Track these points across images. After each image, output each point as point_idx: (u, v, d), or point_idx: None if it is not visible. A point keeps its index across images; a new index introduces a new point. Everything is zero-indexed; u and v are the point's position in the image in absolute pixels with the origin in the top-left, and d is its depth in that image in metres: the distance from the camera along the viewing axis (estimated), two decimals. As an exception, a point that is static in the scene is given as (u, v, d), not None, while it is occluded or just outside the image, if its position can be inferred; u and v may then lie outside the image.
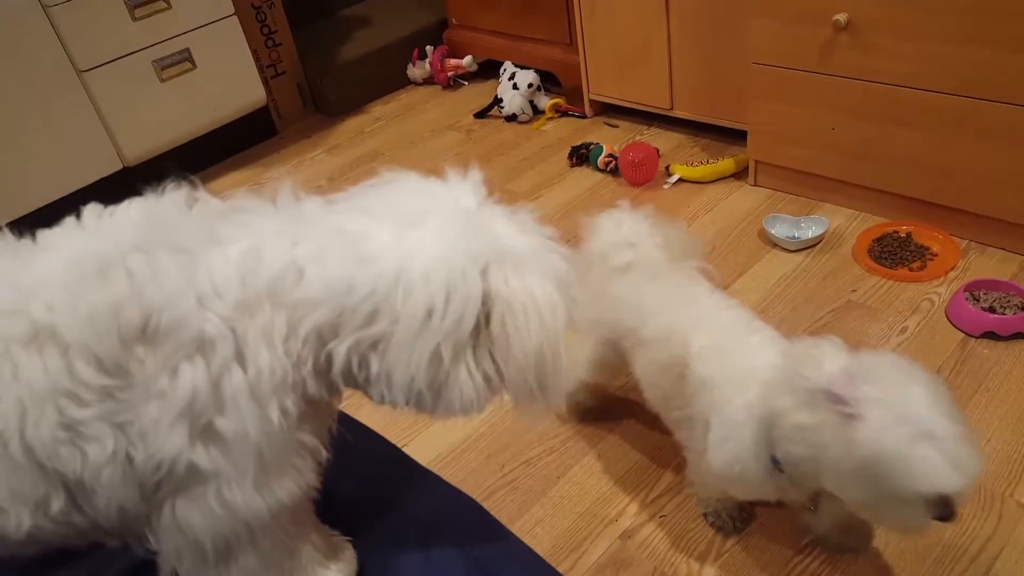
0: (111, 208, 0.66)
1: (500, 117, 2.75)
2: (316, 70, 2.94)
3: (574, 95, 2.66)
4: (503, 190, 2.31)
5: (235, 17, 2.51)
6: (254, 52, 2.64)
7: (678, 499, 1.31)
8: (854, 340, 1.55)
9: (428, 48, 3.06)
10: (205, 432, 0.59)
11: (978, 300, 1.55)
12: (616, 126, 2.56)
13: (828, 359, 0.93)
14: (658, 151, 2.25)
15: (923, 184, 1.75)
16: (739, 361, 1.07)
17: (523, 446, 1.44)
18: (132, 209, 0.65)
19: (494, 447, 1.45)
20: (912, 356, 1.47)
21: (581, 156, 2.36)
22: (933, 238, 1.75)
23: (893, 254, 1.75)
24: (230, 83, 2.56)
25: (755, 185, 2.11)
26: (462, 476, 1.39)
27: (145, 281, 0.59)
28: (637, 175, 2.19)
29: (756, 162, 2.09)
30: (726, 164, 2.16)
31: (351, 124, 2.88)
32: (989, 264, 1.69)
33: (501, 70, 2.79)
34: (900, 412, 0.86)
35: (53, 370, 0.57)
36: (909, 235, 1.78)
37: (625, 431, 1.44)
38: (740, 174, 2.16)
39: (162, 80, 2.37)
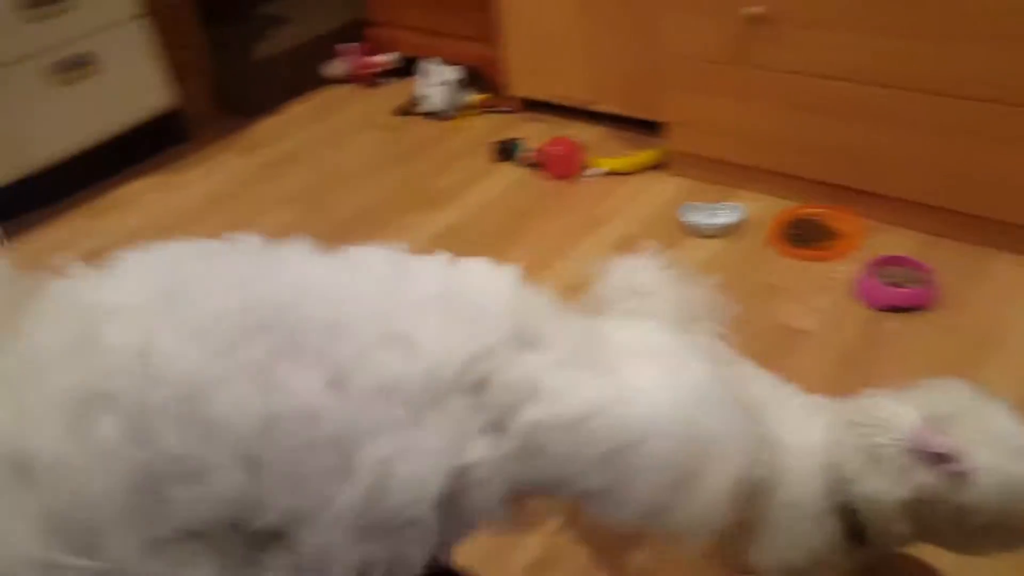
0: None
1: (423, 114, 2.80)
2: (230, 70, 2.93)
3: (499, 91, 2.72)
4: (423, 188, 2.36)
5: (143, 18, 2.49)
6: (164, 53, 2.62)
7: None
8: (772, 321, 1.64)
9: (348, 46, 3.08)
10: None
11: (882, 276, 1.65)
12: (540, 121, 2.63)
13: (896, 414, 0.84)
14: (580, 144, 2.32)
15: (832, 168, 1.86)
16: (791, 446, 0.93)
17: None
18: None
19: None
20: (824, 332, 1.59)
21: (505, 151, 2.41)
22: (841, 219, 1.86)
23: (806, 236, 1.85)
24: (137, 86, 2.54)
25: (675, 175, 2.20)
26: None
27: None
28: (560, 169, 2.26)
29: (675, 152, 2.17)
30: (647, 155, 2.24)
31: (267, 125, 2.88)
32: (892, 241, 1.80)
33: (423, 67, 2.83)
34: (1005, 446, 0.79)
35: None
36: (819, 217, 1.89)
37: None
38: (660, 165, 2.25)
39: (60, 85, 2.34)
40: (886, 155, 1.76)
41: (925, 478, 0.79)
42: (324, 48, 3.08)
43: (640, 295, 1.10)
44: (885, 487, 0.81)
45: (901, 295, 1.60)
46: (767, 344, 1.59)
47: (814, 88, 1.78)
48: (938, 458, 0.78)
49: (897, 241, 1.80)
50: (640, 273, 1.11)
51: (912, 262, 1.68)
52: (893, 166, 1.76)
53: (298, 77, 3.07)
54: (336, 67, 3.09)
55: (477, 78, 2.82)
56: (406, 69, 3.09)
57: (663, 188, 2.16)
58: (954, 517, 0.79)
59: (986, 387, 0.85)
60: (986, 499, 0.77)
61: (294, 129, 2.85)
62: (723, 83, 1.93)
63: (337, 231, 2.20)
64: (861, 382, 1.43)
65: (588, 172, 2.26)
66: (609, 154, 2.30)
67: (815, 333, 1.60)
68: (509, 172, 2.37)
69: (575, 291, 1.79)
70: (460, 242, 2.07)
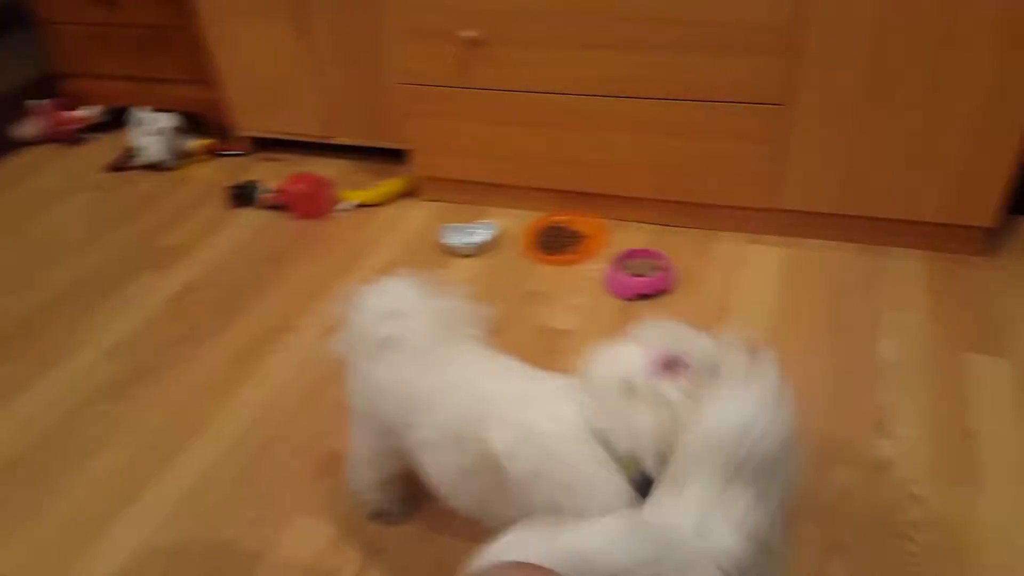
0: None
1: (141, 168, 2.60)
2: None
3: (225, 134, 2.61)
4: (153, 246, 2.20)
5: None
6: None
7: None
8: (537, 324, 1.74)
9: (39, 103, 2.79)
10: None
11: (627, 268, 1.83)
12: (277, 160, 2.55)
13: (619, 354, 0.95)
14: (325, 180, 2.29)
15: (568, 177, 2.02)
16: (550, 432, 0.98)
17: (224, 522, 1.38)
18: None
19: (185, 538, 1.36)
20: (585, 328, 1.71)
21: (242, 196, 2.31)
22: (584, 222, 2.03)
23: (555, 243, 1.99)
24: None
25: (426, 200, 2.25)
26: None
27: None
28: (306, 207, 2.22)
29: (422, 178, 2.23)
30: (395, 184, 2.27)
31: (-50, 202, 2.51)
32: (631, 236, 1.99)
33: (135, 116, 2.63)
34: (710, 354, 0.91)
35: None
36: (566, 224, 2.04)
37: (338, 469, 1.46)
38: (411, 192, 2.29)
39: None
40: (611, 159, 1.94)
41: (671, 389, 0.88)
42: (10, 108, 2.76)
43: (396, 317, 1.13)
44: (640, 421, 0.89)
45: (645, 283, 1.78)
46: (535, 347, 1.68)
47: (538, 103, 1.93)
48: (668, 365, 0.89)
49: (635, 235, 2.00)
50: (393, 295, 1.15)
51: (650, 252, 1.87)
52: (618, 168, 1.95)
53: (-19, 142, 2.72)
54: (27, 127, 2.78)
55: (198, 123, 2.69)
56: (114, 122, 2.86)
57: (417, 214, 2.21)
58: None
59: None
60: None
61: (-18, 204, 2.51)
62: (453, 105, 2.02)
63: (52, 309, 1.97)
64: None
65: (338, 207, 2.25)
66: (356, 187, 2.29)
67: (576, 330, 1.72)
68: (250, 218, 2.28)
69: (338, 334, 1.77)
70: (202, 301, 1.95)
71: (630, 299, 1.78)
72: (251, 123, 2.52)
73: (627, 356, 0.93)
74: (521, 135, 2.00)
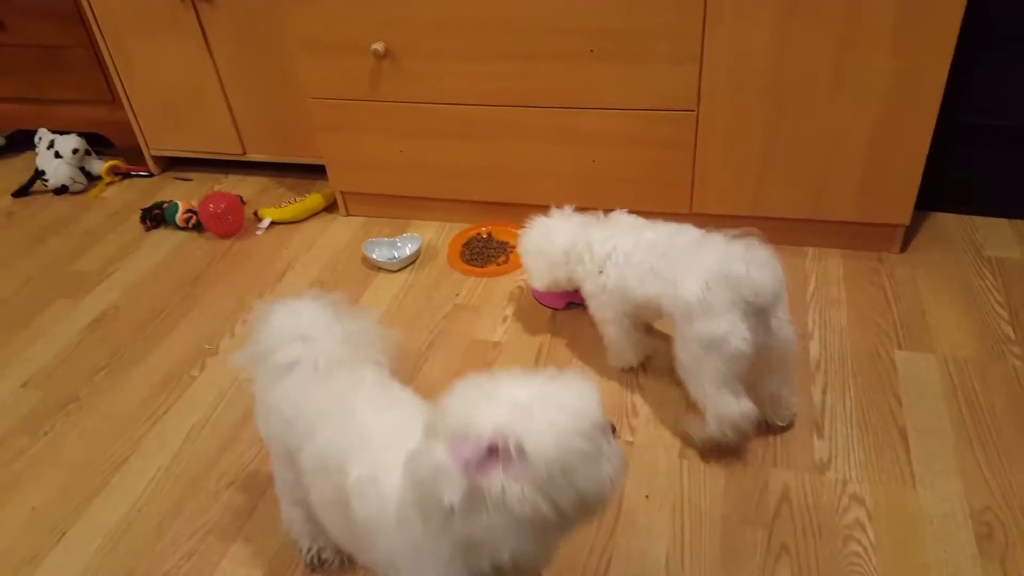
0: None
1: (47, 192, 2.41)
2: None
3: (133, 154, 2.44)
4: (66, 272, 2.03)
5: None
6: None
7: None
8: (470, 338, 1.67)
9: (-74, 126, 2.56)
10: None
11: (557, 279, 1.77)
12: (189, 179, 2.41)
13: (429, 450, 0.79)
14: (241, 198, 2.17)
15: (488, 187, 1.95)
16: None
17: (154, 562, 1.27)
18: None
19: (117, 576, 1.25)
20: (516, 340, 1.65)
21: (156, 217, 2.17)
22: (509, 232, 1.96)
23: (481, 254, 1.92)
24: None
25: (348, 215, 2.15)
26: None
27: None
28: (224, 226, 2.09)
29: (342, 193, 2.13)
30: (314, 200, 2.16)
31: None
32: (558, 246, 1.94)
33: (36, 139, 2.44)
34: (522, 409, 0.77)
35: None
36: (490, 234, 1.97)
37: (271, 500, 1.35)
38: (331, 207, 2.18)
39: None
40: (529, 168, 1.89)
41: (497, 483, 0.74)
42: None
43: (302, 339, 1.05)
44: (484, 523, 0.76)
45: (573, 294, 1.71)
46: (467, 360, 1.61)
47: (449, 114, 1.85)
48: (489, 456, 0.75)
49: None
50: (302, 316, 1.08)
51: (578, 260, 1.82)
52: (537, 177, 1.90)
53: None
54: (-84, 151, 2.55)
55: (104, 143, 2.51)
56: (12, 145, 2.66)
57: (340, 229, 2.10)
58: (540, 489, 0.75)
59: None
60: (544, 456, 0.74)
61: None
62: (366, 119, 1.92)
63: (-42, 345, 1.80)
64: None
65: (259, 225, 2.12)
66: (274, 203, 2.18)
67: (507, 342, 1.66)
68: (166, 239, 2.13)
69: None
70: (122, 326, 1.81)
71: (560, 308, 1.72)
72: (160, 142, 2.37)
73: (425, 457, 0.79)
74: (437, 147, 1.92)
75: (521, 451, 0.74)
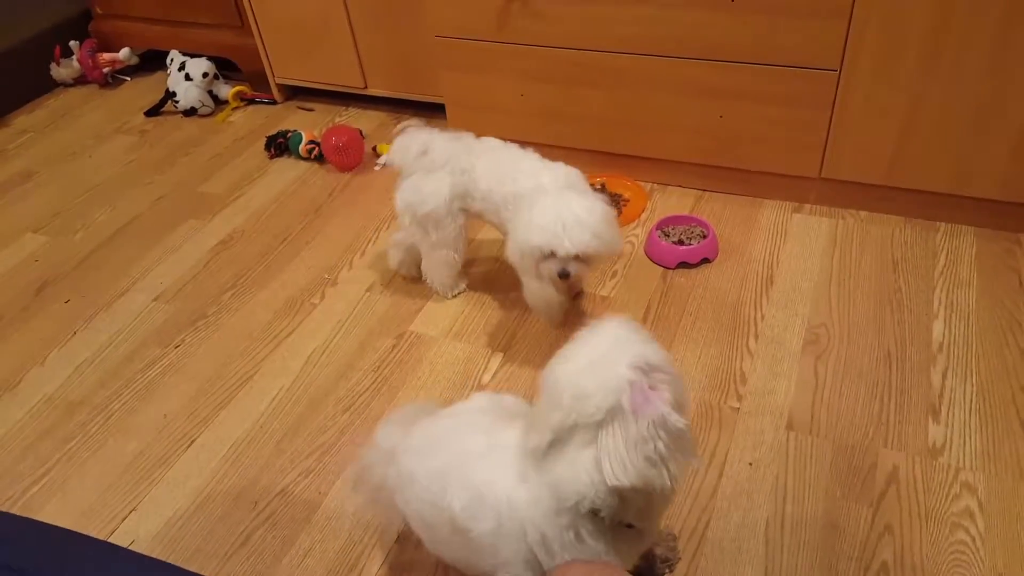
0: None
1: (177, 113, 2.52)
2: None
3: (259, 81, 2.51)
4: (195, 193, 2.13)
5: None
6: None
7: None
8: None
9: (73, 43, 2.69)
10: None
11: (668, 235, 1.75)
12: (311, 110, 2.47)
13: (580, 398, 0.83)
14: (361, 132, 2.21)
15: (608, 137, 1.92)
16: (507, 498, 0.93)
17: (274, 475, 1.35)
18: None
19: (240, 486, 1.35)
20: (624, 296, 1.64)
21: (280, 146, 2.24)
22: (624, 186, 1.94)
23: (595, 205, 1.90)
24: None
25: (462, 155, 2.17)
26: (209, 528, 1.28)
27: None
28: (344, 160, 2.14)
29: (458, 133, 2.14)
30: (430, 138, 2.18)
31: (-10, 141, 2.45)
32: (671, 201, 1.91)
33: (168, 60, 2.54)
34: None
35: None
36: (603, 185, 1.95)
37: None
38: (445, 146, 2.20)
39: None
40: (653, 120, 1.84)
41: (645, 424, 0.80)
42: (46, 47, 2.66)
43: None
44: (621, 469, 0.80)
45: (687, 251, 1.69)
46: (573, 314, 1.62)
47: (578, 60, 1.82)
48: (641, 395, 0.80)
49: (676, 200, 1.91)
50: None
51: (692, 219, 1.79)
52: (660, 130, 1.85)
53: (21, 82, 2.63)
54: (63, 68, 2.69)
55: (232, 68, 2.59)
56: (145, 65, 2.77)
57: (453, 170, 2.12)
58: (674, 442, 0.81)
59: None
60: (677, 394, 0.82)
61: (26, 143, 2.45)
62: (491, 60, 1.91)
63: (99, 255, 1.93)
64: (667, 337, 1.53)
65: (377, 161, 2.16)
66: (391, 140, 2.20)
67: (617, 297, 1.65)
68: (288, 168, 2.20)
69: (377, 290, 1.73)
70: (247, 250, 1.90)
71: (671, 267, 1.70)
72: (285, 70, 2.42)
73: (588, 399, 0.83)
74: (560, 93, 1.89)
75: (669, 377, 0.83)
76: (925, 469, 1.25)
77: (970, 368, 1.42)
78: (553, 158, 2.01)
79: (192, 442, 1.43)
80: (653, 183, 1.96)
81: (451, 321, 1.63)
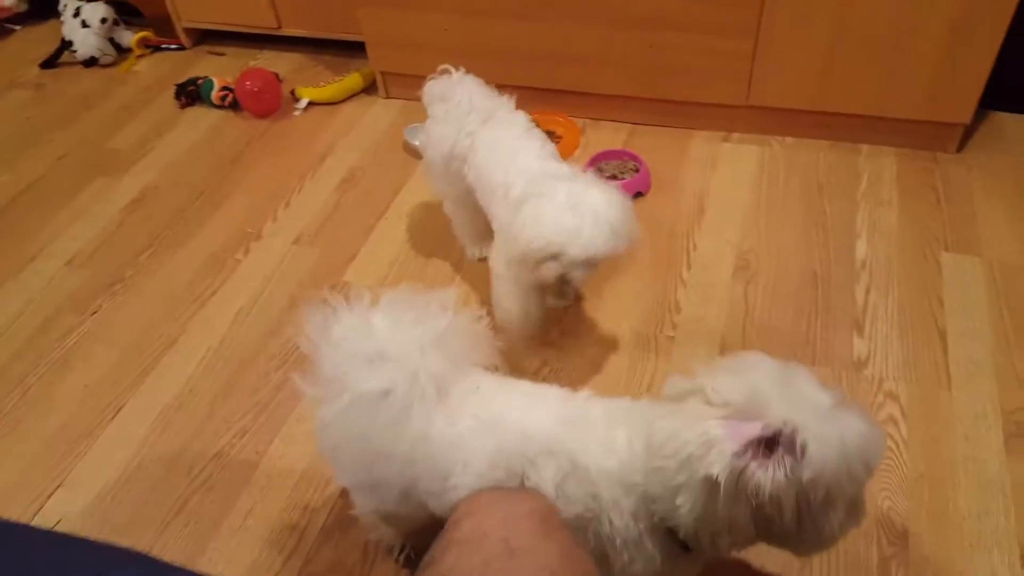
0: None
1: (76, 64, 2.36)
2: None
3: (164, 25, 2.37)
4: (102, 150, 2.01)
5: None
6: None
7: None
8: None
9: (-49, -11, 2.48)
10: None
11: (602, 171, 1.74)
12: (223, 54, 2.35)
13: (700, 424, 0.73)
14: (277, 75, 2.12)
15: (538, 72, 1.88)
16: (594, 469, 0.82)
17: (208, 439, 1.32)
18: None
19: (173, 452, 1.31)
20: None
21: (191, 94, 2.13)
22: (556, 122, 1.90)
23: (525, 142, 1.87)
24: None
25: (388, 98, 2.10)
26: (142, 498, 1.24)
27: None
28: (260, 105, 2.05)
29: (382, 73, 2.06)
30: (353, 79, 2.10)
31: None
32: (604, 136, 1.89)
33: (61, 6, 2.36)
34: (816, 409, 0.72)
35: None
36: (537, 123, 1.91)
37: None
38: (371, 88, 2.13)
39: None
40: (583, 53, 1.81)
41: (765, 477, 0.70)
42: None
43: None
44: (727, 508, 0.72)
45: (621, 187, 1.68)
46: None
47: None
48: (765, 446, 0.70)
49: (608, 135, 1.90)
50: (375, 328, 0.88)
51: (624, 153, 1.78)
52: (591, 63, 1.82)
53: None
54: (-59, 17, 2.49)
55: (132, 13, 2.43)
56: (40, 11, 2.58)
57: (381, 112, 2.06)
58: (796, 503, 0.71)
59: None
60: (822, 468, 0.69)
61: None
62: (415, -6, 1.84)
63: (1, 221, 1.81)
64: (604, 273, 1.53)
65: (296, 105, 2.08)
66: (311, 82, 2.12)
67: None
68: (202, 117, 2.10)
69: (306, 241, 1.68)
70: (162, 207, 1.81)
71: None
72: (193, 12, 2.29)
73: (705, 433, 0.73)
74: (486, 27, 1.84)
75: (803, 452, 0.69)
76: (851, 382, 1.31)
77: (891, 284, 1.47)
78: (481, 95, 1.98)
79: (118, 411, 1.38)
80: (586, 119, 1.94)
81: (386, 268, 1.60)
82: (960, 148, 1.75)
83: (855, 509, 0.75)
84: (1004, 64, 1.59)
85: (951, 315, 1.40)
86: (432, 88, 1.41)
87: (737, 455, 0.70)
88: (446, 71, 1.41)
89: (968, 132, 1.76)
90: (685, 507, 0.75)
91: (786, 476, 0.69)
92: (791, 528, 0.72)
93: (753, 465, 0.70)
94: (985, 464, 1.18)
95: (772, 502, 0.70)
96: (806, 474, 0.69)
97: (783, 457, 0.69)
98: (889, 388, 1.29)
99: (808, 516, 0.72)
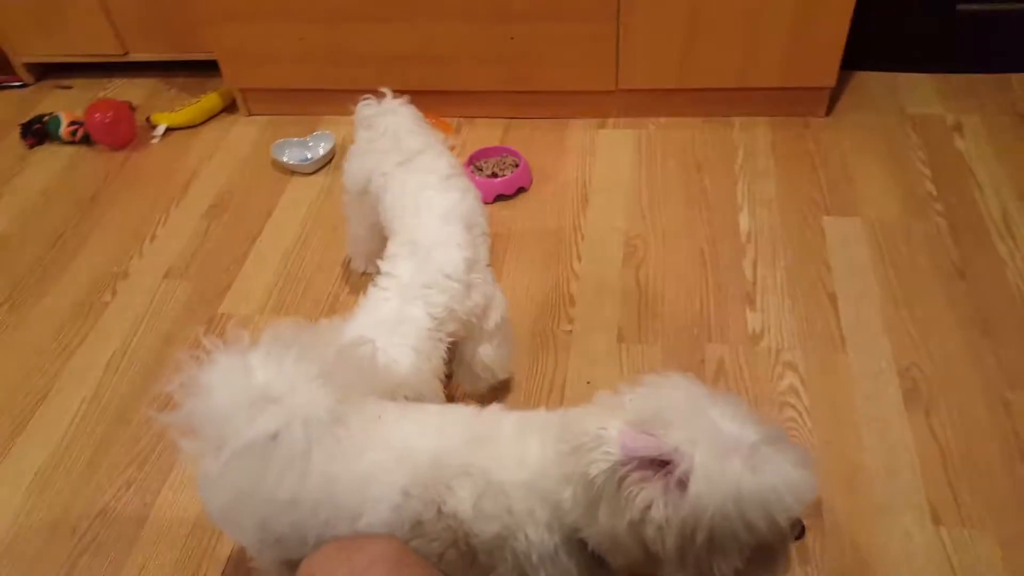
0: None
1: (-96, 111, 2.23)
2: None
3: (0, 62, 2.26)
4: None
5: None
6: None
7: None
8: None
9: None
10: None
11: (481, 170, 1.76)
12: (70, 87, 2.26)
13: (600, 429, 0.73)
14: (130, 104, 2.06)
15: (402, 75, 1.88)
16: (506, 483, 0.82)
17: (91, 496, 1.27)
18: None
19: (53, 516, 1.25)
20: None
21: (37, 132, 2.04)
22: (429, 123, 1.91)
23: (401, 148, 1.87)
24: None
25: (250, 115, 2.06)
26: (24, 570, 1.18)
27: None
28: (114, 136, 1.98)
29: (241, 90, 2.03)
30: (211, 100, 2.06)
31: None
32: (480, 134, 1.92)
33: None
34: (720, 443, 0.70)
35: None
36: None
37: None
38: (231, 107, 2.09)
39: None
40: (446, 51, 1.83)
41: (645, 494, 0.69)
42: None
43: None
44: (606, 516, 0.73)
45: (502, 183, 1.71)
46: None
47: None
48: (652, 464, 0.70)
49: (484, 132, 1.92)
50: (258, 372, 0.84)
51: (502, 149, 1.81)
52: (456, 60, 1.84)
53: None
54: None
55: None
56: None
57: (243, 131, 2.02)
58: (680, 536, 0.69)
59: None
60: (703, 507, 0.67)
61: None
62: (259, 4, 1.81)
63: None
64: (495, 271, 1.55)
65: (153, 133, 2.02)
66: (167, 107, 2.06)
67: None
68: (52, 156, 2.01)
69: (176, 274, 1.64)
70: (17, 256, 1.73)
71: (489, 202, 1.71)
72: (27, 46, 2.19)
73: (606, 431, 0.73)
74: (343, 32, 1.83)
75: (683, 486, 0.68)
76: (748, 356, 1.36)
77: (777, 253, 1.54)
78: (350, 104, 1.97)
79: (-11, 479, 1.31)
80: (459, 117, 1.96)
81: (265, 296, 1.57)
82: (829, 111, 1.85)
83: (769, 563, 0.73)
84: (862, 23, 1.69)
85: (839, 278, 1.48)
86: (360, 111, 1.36)
87: (621, 463, 0.70)
88: (381, 94, 1.36)
89: (835, 94, 1.87)
90: (568, 502, 0.76)
91: (665, 503, 0.68)
92: (673, 558, 0.71)
93: (635, 477, 0.70)
94: (887, 423, 1.24)
95: (650, 525, 0.69)
96: (684, 509, 0.68)
97: (666, 484, 0.69)
98: (786, 358, 1.35)
99: (691, 553, 0.70)
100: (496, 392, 1.33)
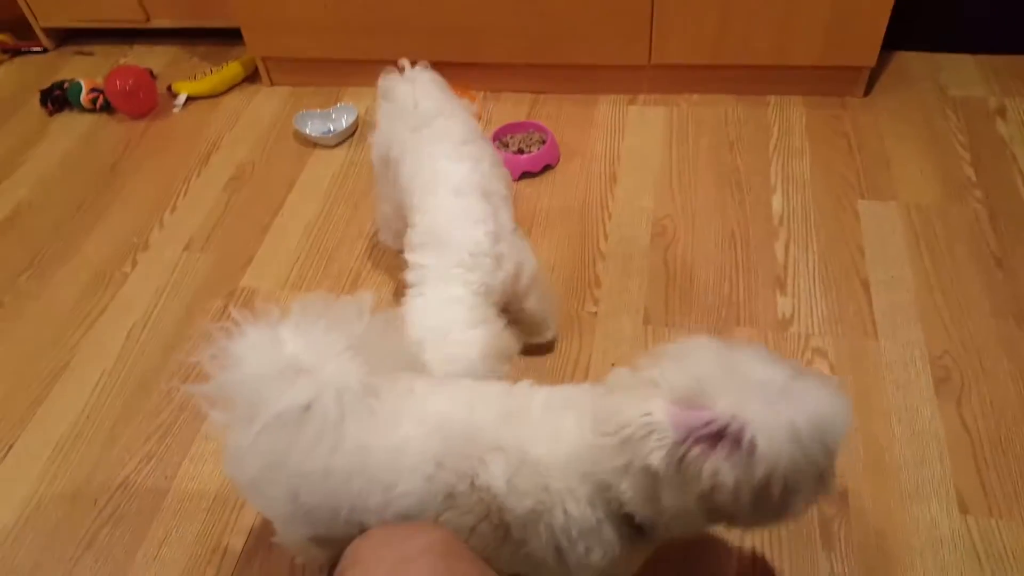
0: None
1: (-75, 75, 2.25)
2: None
3: (21, 28, 2.27)
4: (-34, 169, 1.93)
5: None
6: None
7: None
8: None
9: None
10: None
11: (507, 146, 1.75)
12: (91, 54, 2.27)
13: (645, 415, 0.73)
14: (151, 71, 2.06)
15: (429, 46, 1.87)
16: (542, 461, 0.82)
17: (112, 468, 1.29)
18: None
19: (75, 486, 1.28)
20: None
21: (58, 99, 2.06)
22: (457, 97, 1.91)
23: (426, 122, 1.87)
24: None
25: (272, 85, 2.07)
26: (46, 538, 1.21)
27: None
28: (135, 105, 1.99)
29: (263, 60, 2.03)
30: (233, 69, 2.06)
31: None
32: (506, 108, 1.91)
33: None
34: (768, 393, 0.72)
35: None
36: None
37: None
38: (253, 76, 2.09)
39: None
40: (475, 23, 1.81)
41: (712, 467, 0.71)
42: None
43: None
44: (671, 497, 0.74)
45: (529, 160, 1.71)
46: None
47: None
48: (712, 435, 0.71)
49: (511, 107, 1.91)
50: (288, 343, 0.86)
51: (530, 125, 1.80)
52: (484, 33, 1.83)
53: None
54: None
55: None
56: None
57: (265, 102, 2.02)
58: (754, 495, 0.71)
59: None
60: (775, 462, 0.70)
61: None
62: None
63: None
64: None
65: (174, 102, 2.03)
66: (188, 76, 2.07)
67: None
68: (73, 123, 2.03)
69: (197, 247, 1.65)
70: (39, 224, 1.75)
71: (515, 179, 1.71)
72: (51, 12, 2.20)
73: (651, 415, 0.73)
74: (370, 1, 1.82)
75: (752, 448, 0.69)
76: (777, 341, 1.36)
77: (810, 236, 1.53)
78: (374, 75, 1.96)
79: (10, 449, 1.33)
80: (485, 91, 1.95)
81: (287, 269, 1.58)
82: (868, 92, 1.83)
83: (822, 483, 0.76)
84: (905, 2, 1.66)
85: (872, 264, 1.46)
86: (381, 83, 1.37)
87: (678, 444, 0.71)
88: (403, 66, 1.37)
89: (875, 74, 1.84)
90: (628, 493, 0.77)
91: (734, 469, 0.70)
92: (748, 513, 0.73)
93: (695, 452, 0.71)
94: (917, 412, 1.23)
95: (721, 491, 0.71)
96: (758, 471, 0.70)
97: (731, 453, 0.70)
98: (816, 344, 1.34)
99: (769, 504, 0.72)
100: (521, 372, 1.33)
